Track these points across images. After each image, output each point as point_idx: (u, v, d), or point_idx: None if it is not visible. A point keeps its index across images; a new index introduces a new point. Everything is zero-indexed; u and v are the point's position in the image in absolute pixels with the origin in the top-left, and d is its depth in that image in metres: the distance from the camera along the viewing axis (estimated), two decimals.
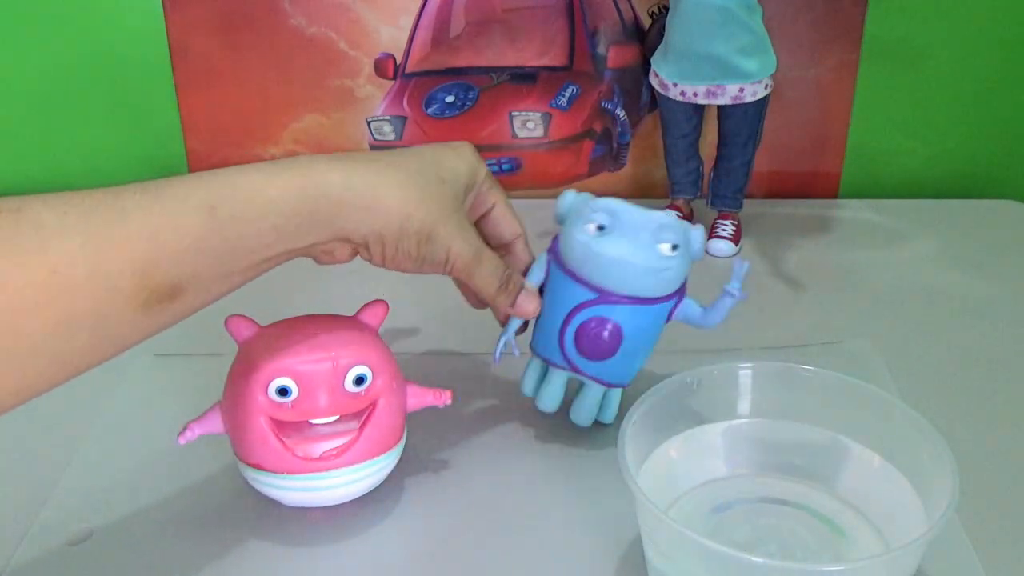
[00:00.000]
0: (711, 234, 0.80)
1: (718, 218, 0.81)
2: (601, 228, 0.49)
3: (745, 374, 0.48)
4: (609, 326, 0.50)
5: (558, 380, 0.54)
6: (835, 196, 0.93)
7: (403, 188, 0.45)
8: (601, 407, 0.54)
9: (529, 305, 0.51)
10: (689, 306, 0.52)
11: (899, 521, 0.44)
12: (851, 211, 0.89)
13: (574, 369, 0.52)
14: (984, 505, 0.50)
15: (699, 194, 0.83)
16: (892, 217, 0.87)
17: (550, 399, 0.54)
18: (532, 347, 0.54)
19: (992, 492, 0.52)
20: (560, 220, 0.52)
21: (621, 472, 0.41)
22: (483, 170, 0.51)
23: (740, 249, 0.80)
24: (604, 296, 0.50)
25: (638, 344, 0.51)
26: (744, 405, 0.48)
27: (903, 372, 0.62)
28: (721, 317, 0.52)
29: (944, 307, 0.71)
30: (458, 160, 0.49)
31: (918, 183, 0.93)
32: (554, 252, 0.52)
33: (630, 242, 0.49)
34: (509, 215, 0.53)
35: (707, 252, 0.79)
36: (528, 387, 0.55)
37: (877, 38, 0.86)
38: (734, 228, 0.80)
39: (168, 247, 0.38)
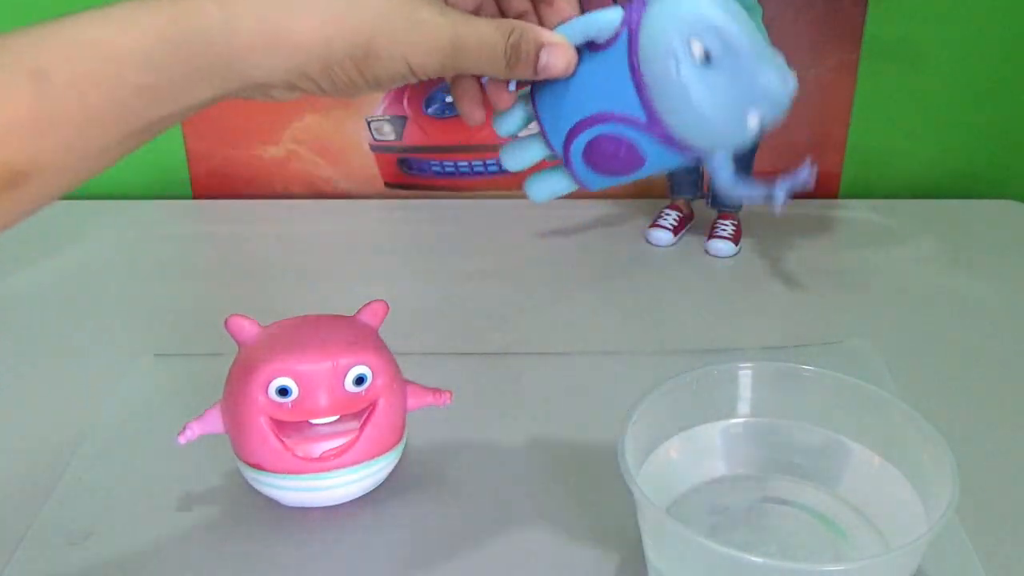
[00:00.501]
0: (711, 234, 0.80)
1: (718, 218, 0.81)
2: (708, 57, 0.38)
3: (745, 374, 0.48)
4: (635, 156, 0.40)
5: (537, 149, 0.44)
6: (835, 196, 0.93)
7: (317, 3, 0.34)
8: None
9: (559, 60, 0.39)
10: (723, 166, 0.43)
11: (899, 521, 0.44)
12: (851, 211, 0.89)
13: (564, 161, 0.43)
14: (984, 505, 0.50)
15: (699, 194, 0.83)
16: (892, 217, 0.87)
17: (518, 162, 0.45)
18: (532, 97, 0.42)
19: (992, 492, 0.52)
20: None
21: (621, 472, 0.41)
22: None
23: (740, 249, 0.80)
24: (653, 125, 0.39)
25: (643, 174, 0.43)
26: (744, 405, 0.48)
27: (903, 372, 0.62)
28: (742, 194, 0.45)
29: (944, 307, 0.71)
30: None
31: (918, 183, 0.93)
32: (629, 21, 0.38)
33: (728, 97, 0.39)
34: None
35: (707, 251, 0.80)
36: (505, 126, 0.45)
37: (877, 38, 0.87)
38: (734, 228, 0.80)
39: None
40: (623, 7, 0.38)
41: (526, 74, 0.39)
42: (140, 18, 0.33)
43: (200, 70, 0.33)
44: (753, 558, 0.37)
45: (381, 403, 0.49)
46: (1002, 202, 0.90)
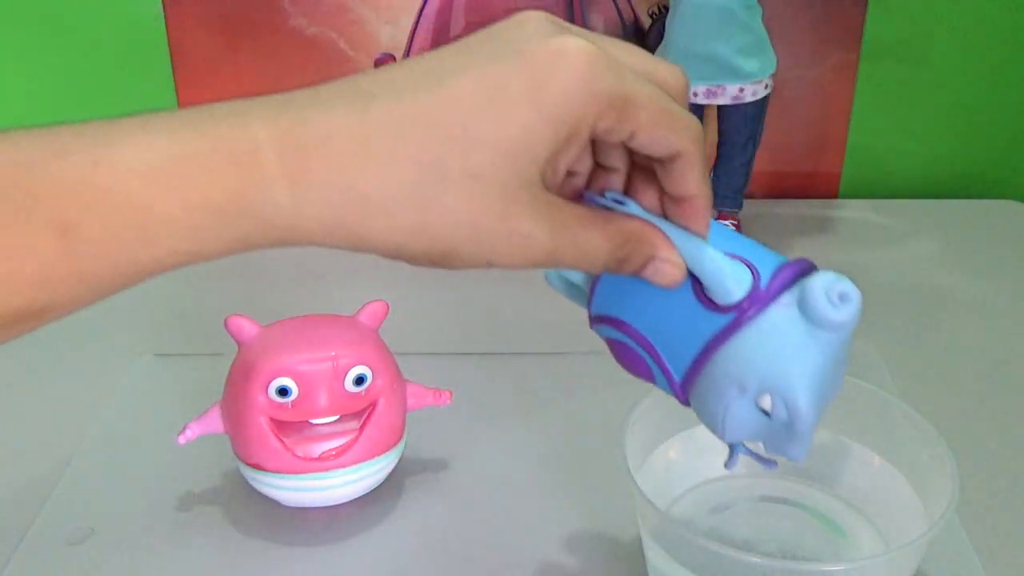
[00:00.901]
0: None
1: (718, 218, 0.81)
2: (766, 412, 0.35)
3: None
4: (648, 377, 0.37)
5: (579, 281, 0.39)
6: (835, 196, 0.93)
7: (391, 208, 0.29)
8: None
9: (663, 280, 0.34)
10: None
11: (899, 521, 0.44)
12: (851, 211, 0.89)
13: (589, 319, 0.38)
14: (984, 505, 0.50)
15: None
16: (892, 217, 0.87)
17: (557, 277, 0.39)
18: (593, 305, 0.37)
19: (992, 492, 0.52)
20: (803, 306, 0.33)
21: (621, 472, 0.41)
22: (606, 91, 0.29)
23: None
24: (674, 388, 0.36)
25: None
26: None
27: (903, 372, 0.62)
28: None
29: (944, 307, 0.71)
30: (534, 109, 0.29)
31: (918, 183, 0.93)
32: (742, 307, 0.34)
33: (752, 434, 0.36)
34: (662, 130, 0.31)
35: None
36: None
37: (877, 38, 0.86)
38: (734, 228, 0.80)
39: (9, 275, 0.28)
40: (754, 279, 0.34)
41: (631, 272, 0.34)
42: (191, 180, 0.28)
43: (250, 239, 0.30)
44: (753, 558, 0.37)
45: (381, 403, 0.49)
46: (1002, 202, 0.90)
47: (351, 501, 0.50)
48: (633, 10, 0.86)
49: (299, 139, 0.28)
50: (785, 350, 0.33)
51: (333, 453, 0.48)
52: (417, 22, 0.86)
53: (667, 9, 0.75)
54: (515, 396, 0.58)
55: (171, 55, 0.87)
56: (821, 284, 0.33)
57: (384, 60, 0.87)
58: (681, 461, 0.47)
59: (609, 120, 0.30)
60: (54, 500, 0.52)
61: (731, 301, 0.33)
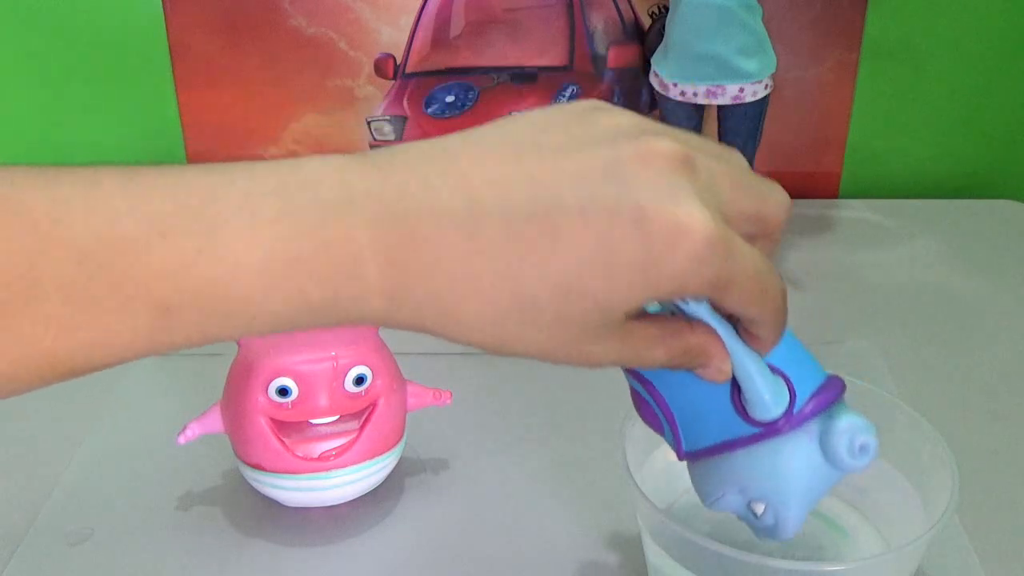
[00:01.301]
0: None
1: None
2: (755, 514, 0.37)
3: None
4: (656, 429, 0.38)
5: None
6: (835, 196, 0.93)
7: (477, 327, 0.30)
8: None
9: (705, 375, 0.34)
10: None
11: (899, 521, 0.44)
12: (851, 211, 0.89)
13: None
14: (984, 505, 0.50)
15: None
16: (892, 217, 0.87)
17: None
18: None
19: (992, 492, 0.52)
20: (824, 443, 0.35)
21: (621, 472, 0.41)
22: (713, 274, 0.29)
23: None
24: (677, 450, 0.38)
25: None
26: None
27: (903, 372, 0.62)
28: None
29: (944, 307, 0.71)
30: (643, 280, 0.29)
31: (918, 183, 0.93)
32: (769, 422, 0.35)
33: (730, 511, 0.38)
34: (753, 306, 0.32)
35: None
36: None
37: (877, 38, 0.86)
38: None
39: (93, 346, 0.28)
40: (789, 400, 0.35)
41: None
42: (293, 282, 0.28)
43: (337, 323, 0.30)
44: (753, 558, 0.37)
45: (381, 403, 0.49)
46: (1002, 202, 0.90)
47: (351, 501, 0.50)
48: (633, 10, 0.86)
49: (404, 259, 0.29)
50: (794, 473, 0.35)
51: (333, 453, 0.48)
52: (417, 22, 0.86)
53: (667, 9, 0.75)
54: (515, 396, 0.58)
55: (171, 55, 0.87)
56: (847, 431, 0.34)
57: (384, 60, 0.87)
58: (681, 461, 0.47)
59: (706, 293, 0.31)
60: (54, 500, 0.52)
61: (763, 419, 0.34)
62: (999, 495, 0.52)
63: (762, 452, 0.35)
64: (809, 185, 0.93)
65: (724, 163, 0.32)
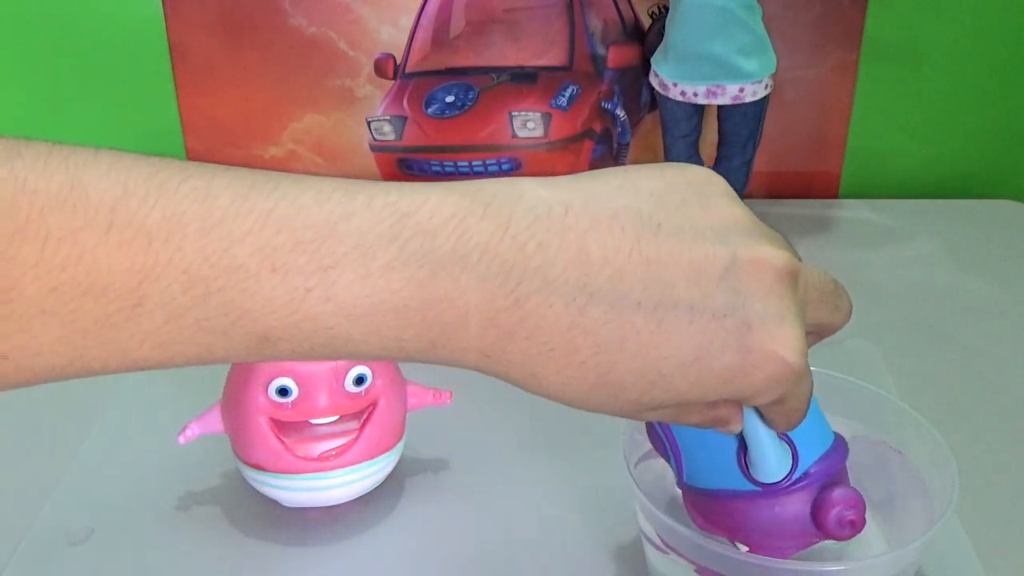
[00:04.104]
0: None
1: None
2: None
3: None
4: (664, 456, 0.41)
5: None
6: (835, 196, 0.93)
7: (554, 395, 0.31)
8: None
9: (719, 430, 0.36)
10: None
11: (900, 521, 0.44)
12: (851, 211, 0.89)
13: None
14: (984, 505, 0.50)
15: None
16: (892, 217, 0.87)
17: None
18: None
19: (992, 492, 0.52)
20: None
21: (621, 472, 0.41)
22: (777, 392, 0.31)
23: None
24: (679, 480, 0.40)
25: None
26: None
27: (903, 372, 0.62)
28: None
29: (944, 307, 0.71)
30: (726, 387, 0.31)
31: (918, 183, 0.93)
32: (766, 488, 0.37)
33: None
34: (782, 418, 0.35)
35: None
36: None
37: (877, 38, 0.86)
38: None
39: (184, 358, 0.29)
40: (791, 467, 0.37)
41: None
42: (395, 331, 0.29)
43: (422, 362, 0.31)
44: (754, 558, 0.37)
45: (381, 403, 0.49)
46: (1002, 202, 0.90)
47: (351, 501, 0.50)
48: (633, 10, 0.86)
49: (507, 324, 0.29)
50: (781, 530, 0.37)
51: (333, 453, 0.48)
52: (417, 22, 0.86)
53: (667, 9, 0.75)
54: (515, 396, 0.58)
55: (171, 55, 0.87)
56: (837, 504, 0.37)
57: (384, 60, 0.88)
58: None
59: (764, 404, 0.32)
60: (54, 500, 0.52)
61: (762, 482, 0.37)
62: (999, 495, 0.52)
63: (757, 508, 0.37)
64: (809, 185, 0.93)
65: (816, 275, 0.34)
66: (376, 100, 0.89)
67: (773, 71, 0.75)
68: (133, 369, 0.28)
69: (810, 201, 0.90)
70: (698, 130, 0.79)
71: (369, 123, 0.90)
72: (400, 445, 0.51)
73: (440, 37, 0.87)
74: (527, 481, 0.53)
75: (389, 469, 0.51)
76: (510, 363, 0.30)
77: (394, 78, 0.88)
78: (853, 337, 0.66)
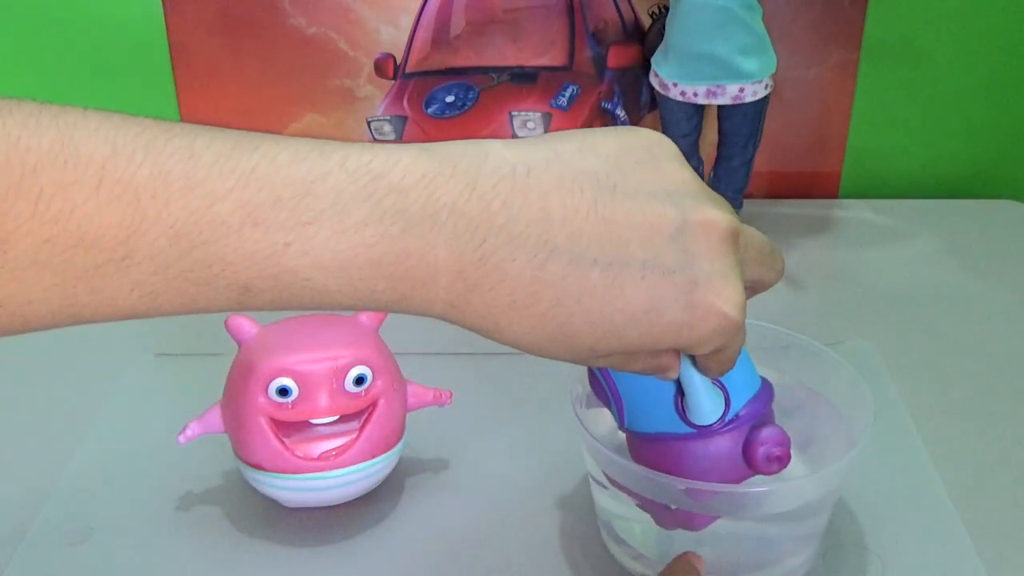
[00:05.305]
0: None
1: None
2: None
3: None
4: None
5: None
6: (835, 196, 0.93)
7: (515, 342, 0.34)
8: None
9: (658, 376, 0.39)
10: None
11: (820, 455, 0.47)
12: (851, 211, 0.89)
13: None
14: (984, 505, 0.50)
15: None
16: (892, 217, 0.87)
17: None
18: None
19: (992, 492, 0.52)
20: None
21: (571, 419, 0.43)
22: (719, 343, 0.35)
23: None
24: (620, 422, 0.43)
25: None
26: None
27: (903, 372, 0.62)
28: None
29: (944, 307, 0.71)
30: (674, 339, 0.34)
31: (918, 183, 0.93)
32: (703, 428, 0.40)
33: None
34: (717, 363, 0.38)
35: None
36: None
37: (877, 38, 0.86)
38: None
39: (171, 307, 0.30)
40: (724, 410, 0.40)
41: None
42: (370, 283, 0.31)
43: (391, 312, 0.33)
44: (683, 483, 0.40)
45: (381, 403, 0.49)
46: (1002, 202, 0.90)
47: (351, 501, 0.50)
48: (633, 10, 0.86)
49: (473, 278, 0.31)
50: (715, 468, 0.40)
51: (333, 453, 0.48)
52: (417, 22, 0.86)
53: (667, 9, 0.75)
54: (515, 396, 0.58)
55: (171, 55, 0.87)
56: (765, 442, 0.40)
57: (384, 60, 0.88)
58: None
59: (702, 352, 0.35)
60: (54, 500, 0.52)
61: (697, 424, 0.40)
62: (999, 495, 0.52)
63: (691, 449, 0.40)
64: (809, 185, 0.93)
65: (755, 236, 0.37)
66: (376, 100, 0.89)
67: (773, 71, 0.75)
68: (121, 318, 0.30)
69: (810, 201, 0.90)
70: (698, 130, 0.79)
71: (369, 123, 0.90)
72: (400, 445, 0.51)
73: (440, 37, 0.87)
74: (527, 481, 0.53)
75: (389, 469, 0.51)
76: (475, 314, 0.32)
77: (394, 78, 0.88)
78: (853, 337, 0.66)
